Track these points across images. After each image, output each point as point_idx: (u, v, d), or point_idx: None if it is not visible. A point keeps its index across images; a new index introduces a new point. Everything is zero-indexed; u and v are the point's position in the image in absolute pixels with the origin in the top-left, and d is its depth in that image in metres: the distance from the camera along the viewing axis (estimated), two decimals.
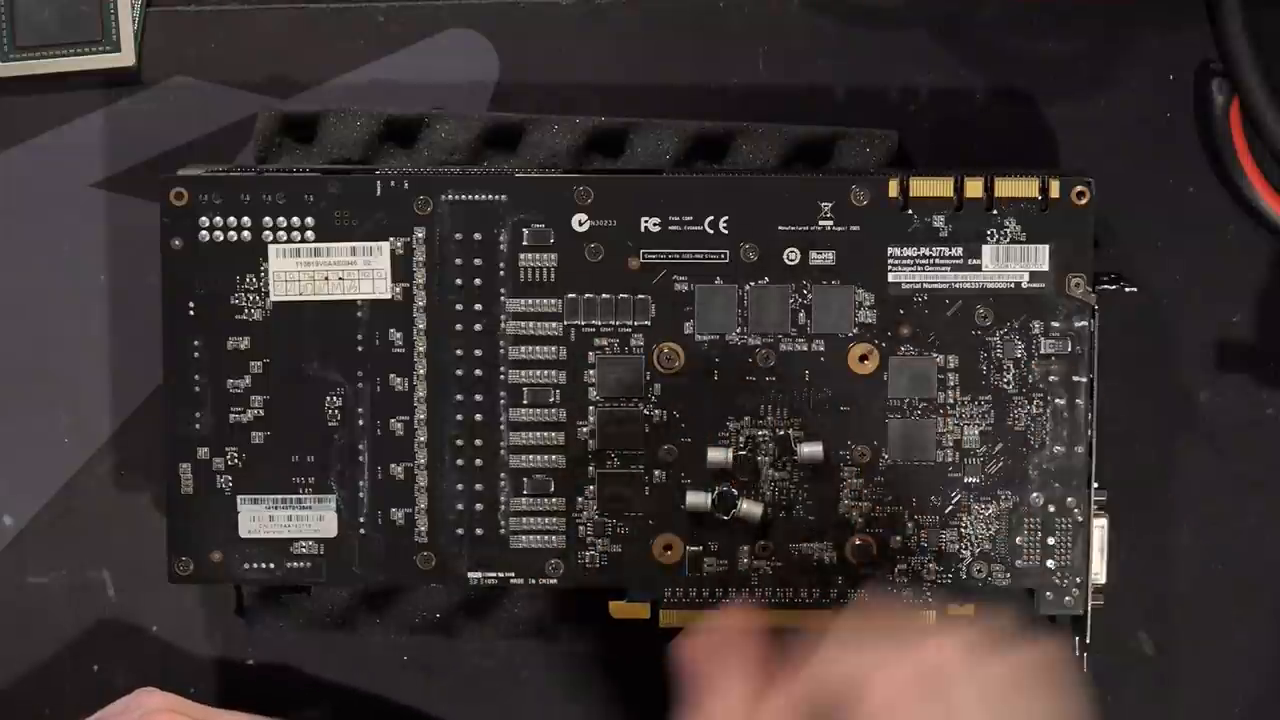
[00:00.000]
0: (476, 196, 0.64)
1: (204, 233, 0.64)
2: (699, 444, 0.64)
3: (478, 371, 0.64)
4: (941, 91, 0.68)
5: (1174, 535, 0.69)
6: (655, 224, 0.64)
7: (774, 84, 0.68)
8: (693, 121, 0.68)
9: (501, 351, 0.64)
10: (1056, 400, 0.64)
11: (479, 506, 0.64)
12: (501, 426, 0.64)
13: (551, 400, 0.64)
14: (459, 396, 0.64)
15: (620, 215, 0.64)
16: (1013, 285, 0.64)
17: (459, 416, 0.64)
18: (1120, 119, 0.68)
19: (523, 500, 0.64)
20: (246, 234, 0.64)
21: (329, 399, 0.64)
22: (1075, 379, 0.64)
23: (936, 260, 0.64)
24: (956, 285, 0.64)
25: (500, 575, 0.64)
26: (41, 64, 0.68)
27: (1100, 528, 0.64)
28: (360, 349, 0.64)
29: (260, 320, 0.64)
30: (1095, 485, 0.64)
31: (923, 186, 0.63)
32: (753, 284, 0.64)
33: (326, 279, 0.64)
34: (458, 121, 0.68)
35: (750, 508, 0.64)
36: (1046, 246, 0.63)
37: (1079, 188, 0.63)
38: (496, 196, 0.64)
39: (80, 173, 0.69)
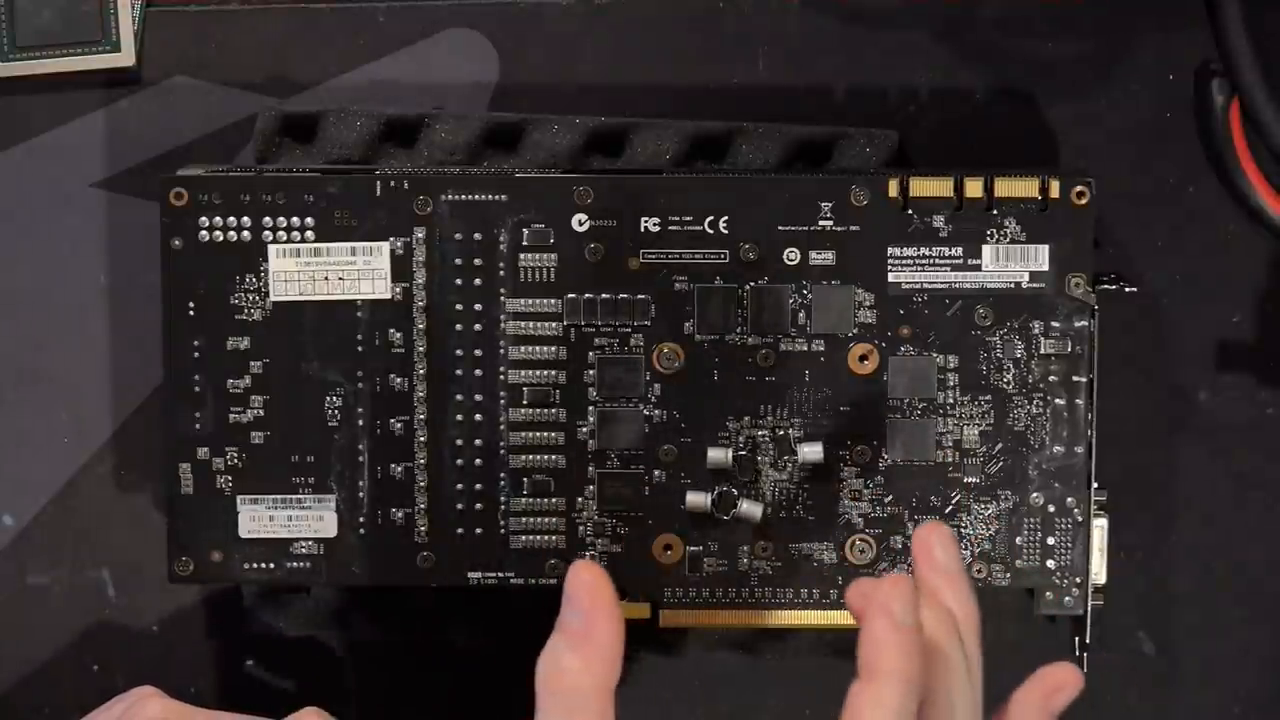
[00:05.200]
0: (476, 196, 0.64)
1: (204, 233, 0.64)
2: (699, 444, 0.64)
3: (478, 371, 0.64)
4: (941, 91, 0.68)
5: (1174, 535, 0.69)
6: (655, 224, 0.64)
7: (774, 84, 0.68)
8: (693, 121, 0.68)
9: (501, 351, 0.64)
10: (1056, 400, 0.64)
11: (479, 506, 0.64)
12: (501, 426, 0.64)
13: (551, 400, 0.64)
14: (459, 396, 0.64)
15: (620, 215, 0.64)
16: (1013, 285, 0.64)
17: (459, 416, 0.64)
18: (1120, 119, 0.68)
19: (523, 500, 0.64)
20: (246, 234, 0.64)
21: (329, 399, 0.64)
22: (1075, 379, 0.64)
23: (936, 260, 0.64)
24: (956, 285, 0.64)
25: (500, 575, 0.64)
26: (41, 64, 0.68)
27: (1100, 528, 0.64)
28: (360, 349, 0.64)
29: (260, 320, 0.64)
30: (1095, 485, 0.64)
31: (923, 186, 0.63)
32: (753, 284, 0.64)
33: (326, 279, 0.64)
34: (458, 121, 0.68)
35: (750, 508, 0.64)
36: (1046, 246, 0.63)
37: (1079, 188, 0.63)
38: (496, 196, 0.64)
39: (80, 173, 0.69)
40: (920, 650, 0.51)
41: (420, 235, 0.64)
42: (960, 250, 0.63)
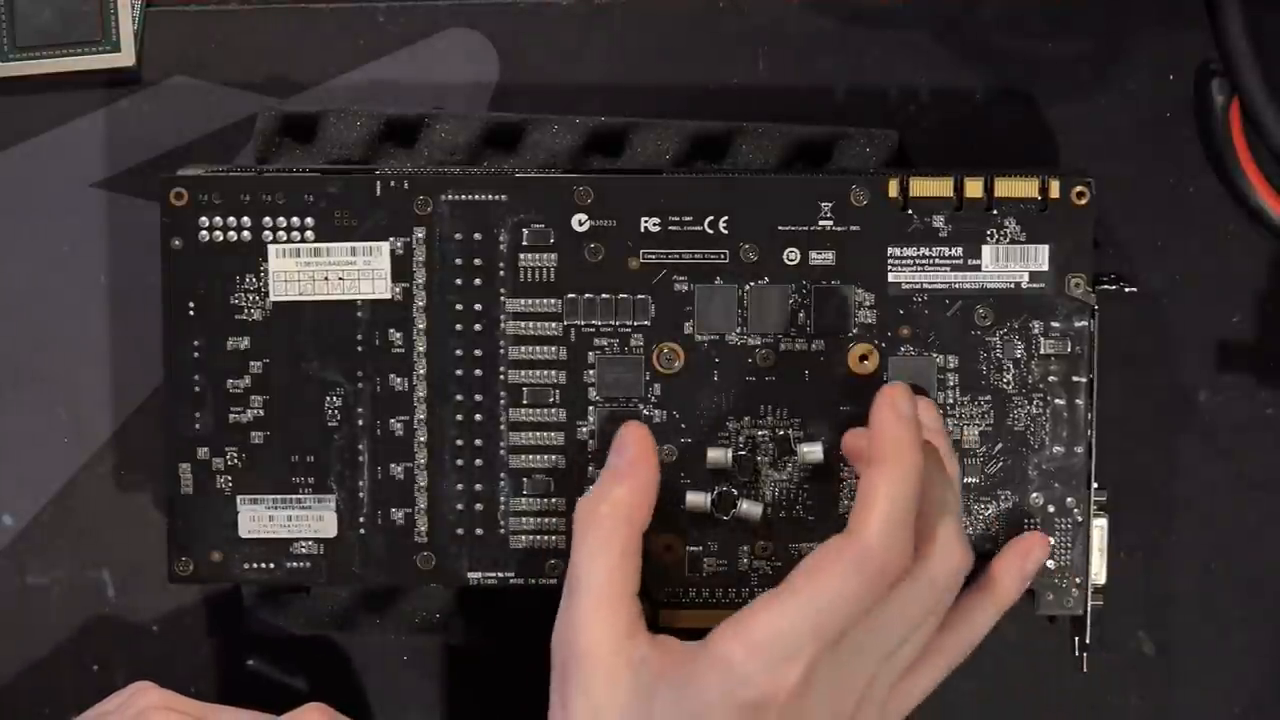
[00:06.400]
0: (476, 196, 0.64)
1: (204, 233, 0.64)
2: (699, 444, 0.64)
3: (478, 371, 0.64)
4: (941, 91, 0.68)
5: (1174, 535, 0.69)
6: (655, 224, 0.64)
7: (774, 84, 0.68)
8: (693, 121, 0.68)
9: (501, 351, 0.64)
10: (1056, 400, 0.64)
11: (479, 506, 0.64)
12: (501, 426, 0.64)
13: (551, 400, 0.64)
14: (459, 396, 0.64)
15: (620, 215, 0.64)
16: (1013, 285, 0.64)
17: (459, 416, 0.64)
18: (1120, 119, 0.68)
19: (523, 500, 0.64)
20: (246, 234, 0.64)
21: (329, 399, 0.64)
22: (1075, 379, 0.64)
23: (936, 260, 0.64)
24: (956, 285, 0.64)
25: (500, 575, 0.64)
26: (41, 64, 0.68)
27: (1100, 528, 0.64)
28: (360, 349, 0.64)
29: (260, 320, 0.64)
30: (1095, 485, 0.64)
31: (923, 186, 0.63)
32: (753, 284, 0.64)
33: (326, 279, 0.64)
34: (458, 121, 0.68)
35: (750, 508, 0.64)
36: (1046, 246, 0.63)
37: (1079, 188, 0.63)
38: (496, 196, 0.64)
39: (80, 173, 0.69)
40: (920, 441, 0.58)
41: (420, 235, 0.64)
42: (960, 250, 0.63)
